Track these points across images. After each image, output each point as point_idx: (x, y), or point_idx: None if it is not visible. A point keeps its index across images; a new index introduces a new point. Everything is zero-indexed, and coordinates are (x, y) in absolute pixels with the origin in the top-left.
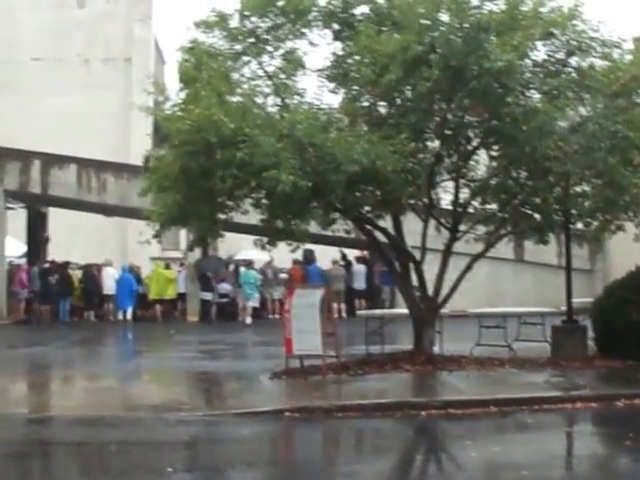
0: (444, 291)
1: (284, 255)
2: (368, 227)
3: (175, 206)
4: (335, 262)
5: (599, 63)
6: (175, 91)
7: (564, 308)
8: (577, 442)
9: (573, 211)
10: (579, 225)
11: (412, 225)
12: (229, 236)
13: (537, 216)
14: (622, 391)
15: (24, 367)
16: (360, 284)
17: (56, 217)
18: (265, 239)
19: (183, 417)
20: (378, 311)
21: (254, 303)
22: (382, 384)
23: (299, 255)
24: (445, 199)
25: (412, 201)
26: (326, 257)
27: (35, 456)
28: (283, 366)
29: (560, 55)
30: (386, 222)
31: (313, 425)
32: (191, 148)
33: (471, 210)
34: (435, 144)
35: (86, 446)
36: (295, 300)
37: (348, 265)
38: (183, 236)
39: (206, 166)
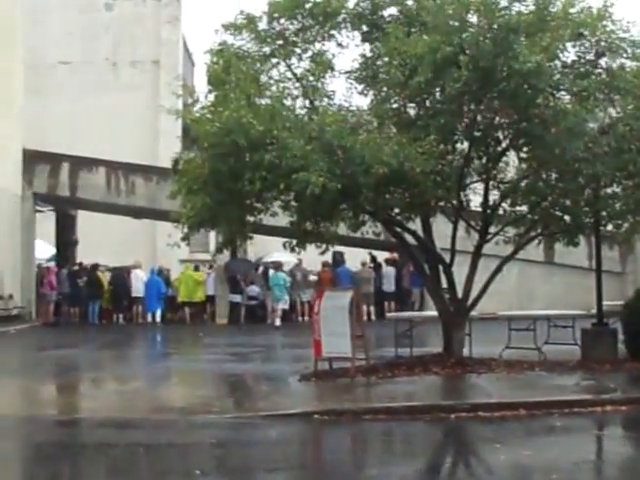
0: (474, 293)
1: (313, 257)
2: (397, 229)
3: (204, 208)
4: (364, 264)
5: (629, 64)
6: (204, 93)
7: (594, 311)
8: (607, 446)
9: (603, 213)
10: (609, 227)
11: (441, 227)
12: (258, 238)
13: (567, 218)
14: None
15: (53, 369)
16: (389, 286)
17: (85, 219)
18: (294, 241)
19: (212, 419)
20: (407, 313)
21: (284, 305)
22: (411, 387)
23: (328, 257)
24: (475, 201)
25: (441, 203)
26: (355, 259)
27: (64, 458)
28: (312, 368)
29: (590, 56)
30: (415, 224)
31: (342, 428)
32: (220, 150)
33: (501, 212)
34: (464, 146)
35: (115, 448)
36: (324, 302)
37: (377, 267)
38: (212, 238)
39: (235, 168)
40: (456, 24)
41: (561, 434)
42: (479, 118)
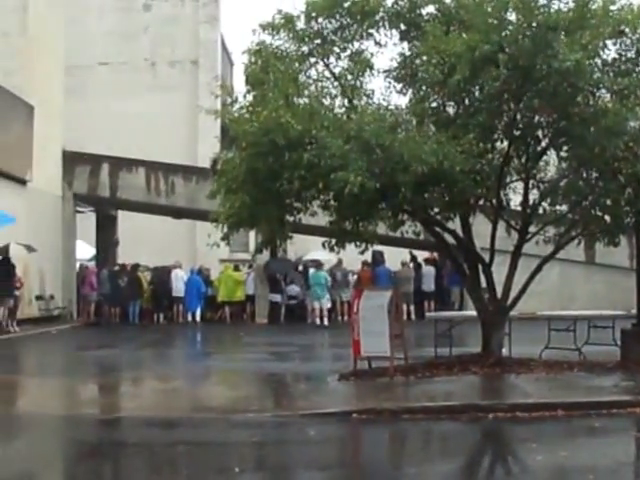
0: (513, 293)
1: (353, 256)
2: (436, 229)
3: (243, 208)
4: (404, 264)
5: None
6: (242, 93)
7: (634, 311)
8: None
9: None
10: None
11: (481, 227)
12: (297, 237)
13: (607, 218)
14: None
15: (94, 369)
16: (429, 286)
17: (125, 219)
18: (333, 241)
19: (251, 418)
20: (447, 313)
21: (327, 305)
22: (449, 386)
23: (368, 257)
24: (514, 200)
25: (481, 202)
26: (395, 259)
27: (105, 457)
28: (351, 368)
29: (631, 54)
30: (454, 224)
31: (380, 427)
32: (259, 150)
33: (540, 211)
34: (504, 145)
35: (155, 447)
36: (363, 302)
37: (417, 267)
38: (252, 238)
39: (274, 168)
40: (495, 22)
41: (599, 435)
42: (518, 117)
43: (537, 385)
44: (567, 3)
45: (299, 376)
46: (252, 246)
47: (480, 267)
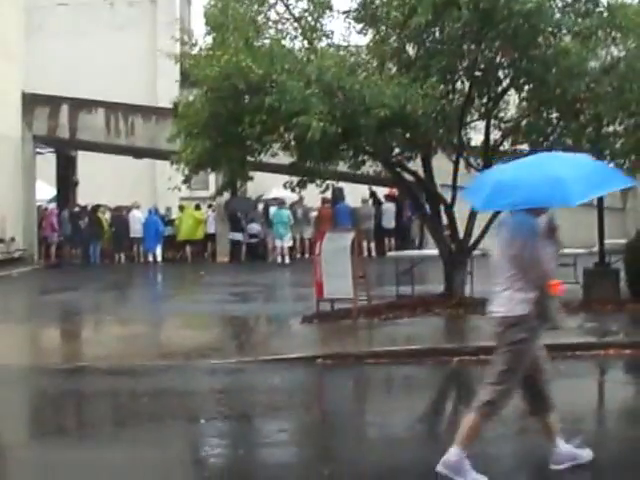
0: (475, 230)
1: (313, 193)
2: (398, 169)
3: (204, 152)
4: (365, 201)
5: (630, 1)
6: (202, 36)
7: (596, 249)
8: (610, 392)
9: (605, 152)
10: (612, 165)
11: (442, 163)
12: (257, 176)
13: None
14: None
15: (55, 313)
16: (389, 222)
17: (85, 160)
18: (295, 180)
19: (214, 365)
20: (408, 252)
21: (288, 243)
22: (413, 329)
23: (328, 194)
24: (476, 140)
25: (442, 142)
26: (355, 195)
27: (66, 408)
28: (314, 309)
29: None
30: (416, 164)
31: (345, 372)
32: (219, 94)
33: (503, 147)
34: (465, 85)
35: (117, 397)
36: (325, 244)
37: (378, 204)
38: (212, 176)
39: (235, 112)
40: None
41: (564, 379)
42: (479, 58)
43: None
44: None
45: (262, 318)
46: (212, 184)
47: (442, 207)
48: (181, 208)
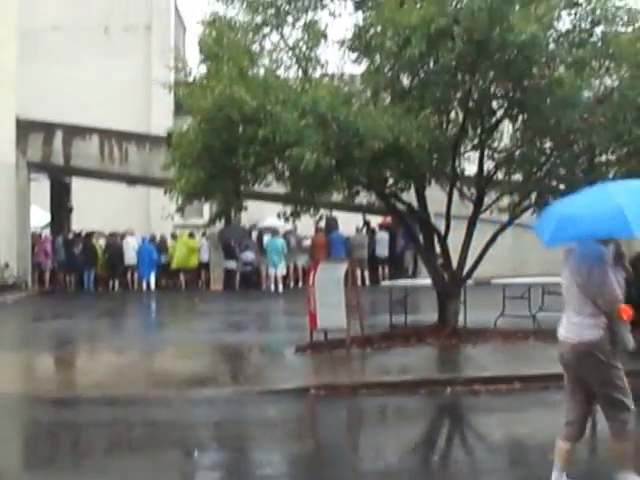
0: (468, 259)
1: (307, 222)
2: (391, 200)
3: (198, 183)
4: (359, 230)
5: (624, 30)
6: (196, 63)
7: None
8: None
9: (599, 182)
10: None
11: (435, 193)
12: (251, 204)
13: (562, 187)
14: None
15: (50, 341)
16: (383, 251)
17: (80, 186)
18: (288, 211)
19: (208, 395)
20: (402, 281)
21: (282, 271)
22: (406, 359)
23: (322, 222)
24: (469, 170)
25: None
26: (349, 223)
27: (60, 438)
28: (307, 339)
29: (585, 24)
30: (409, 194)
31: (338, 403)
32: (213, 125)
33: (496, 178)
34: (459, 116)
35: (111, 427)
36: (319, 274)
37: (371, 232)
38: (206, 204)
39: (229, 143)
40: None
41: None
42: (473, 89)
43: (493, 357)
44: None
45: (255, 348)
46: (206, 212)
47: (435, 238)
48: (173, 236)
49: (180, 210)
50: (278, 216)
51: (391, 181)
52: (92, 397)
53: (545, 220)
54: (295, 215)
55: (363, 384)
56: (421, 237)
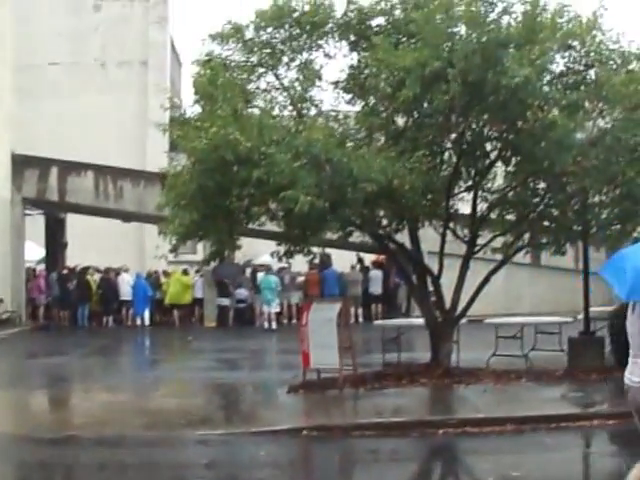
0: (462, 296)
1: (301, 258)
2: (385, 241)
3: (192, 224)
4: (353, 267)
5: (618, 74)
6: (191, 101)
7: (580, 317)
8: (596, 463)
9: (592, 223)
10: (597, 232)
11: (429, 231)
12: (245, 240)
13: (555, 228)
14: None
15: (42, 379)
16: (377, 289)
17: (75, 221)
18: (282, 251)
19: (201, 437)
20: (395, 321)
21: (276, 309)
22: (399, 400)
23: (316, 258)
24: (462, 210)
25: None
26: (342, 259)
27: (53, 479)
28: (300, 378)
29: (579, 66)
30: (403, 235)
31: (330, 445)
32: (207, 166)
33: (489, 222)
34: (453, 158)
35: (105, 468)
36: (312, 314)
37: (365, 270)
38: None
39: (223, 184)
40: (444, 36)
41: (550, 451)
42: (467, 133)
43: (486, 398)
44: (517, 18)
45: (249, 387)
46: (200, 248)
47: (429, 278)
48: (165, 273)
49: (174, 250)
50: (271, 256)
51: (384, 222)
52: (85, 437)
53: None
54: (288, 255)
55: (356, 425)
56: (414, 277)
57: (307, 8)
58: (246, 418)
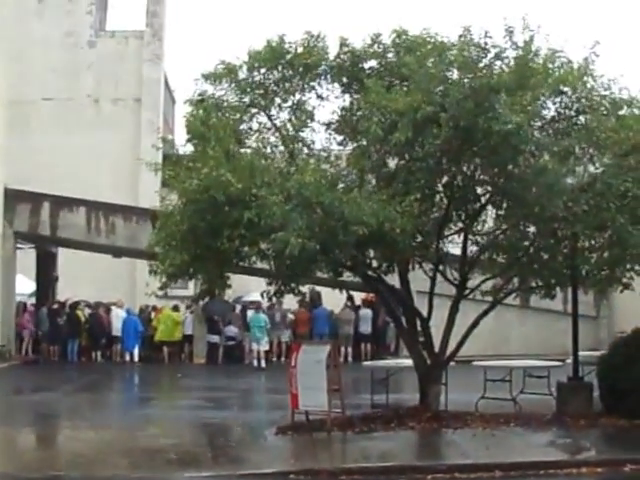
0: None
1: (291, 296)
2: (375, 282)
3: (182, 264)
4: (346, 306)
5: (609, 120)
6: (183, 141)
7: (569, 360)
8: None
9: (581, 267)
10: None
11: (419, 271)
12: (236, 276)
13: (545, 272)
14: (629, 455)
15: (29, 417)
16: (366, 328)
17: (66, 255)
18: (272, 290)
19: (189, 478)
20: (384, 362)
21: (265, 347)
22: (387, 444)
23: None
24: (453, 252)
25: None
26: (333, 297)
27: None
28: (289, 419)
29: (570, 112)
30: (393, 278)
31: None
32: (198, 206)
33: (479, 265)
34: (444, 201)
35: None
36: (301, 356)
37: (355, 309)
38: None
39: (214, 225)
40: (437, 80)
41: None
42: (458, 175)
43: (474, 443)
44: (509, 63)
45: (237, 427)
46: (191, 284)
47: (418, 322)
48: (155, 309)
49: (164, 288)
50: (262, 296)
51: (374, 264)
52: (72, 477)
53: None
54: (279, 295)
55: (344, 470)
56: (403, 319)
57: (300, 50)
58: (233, 460)
